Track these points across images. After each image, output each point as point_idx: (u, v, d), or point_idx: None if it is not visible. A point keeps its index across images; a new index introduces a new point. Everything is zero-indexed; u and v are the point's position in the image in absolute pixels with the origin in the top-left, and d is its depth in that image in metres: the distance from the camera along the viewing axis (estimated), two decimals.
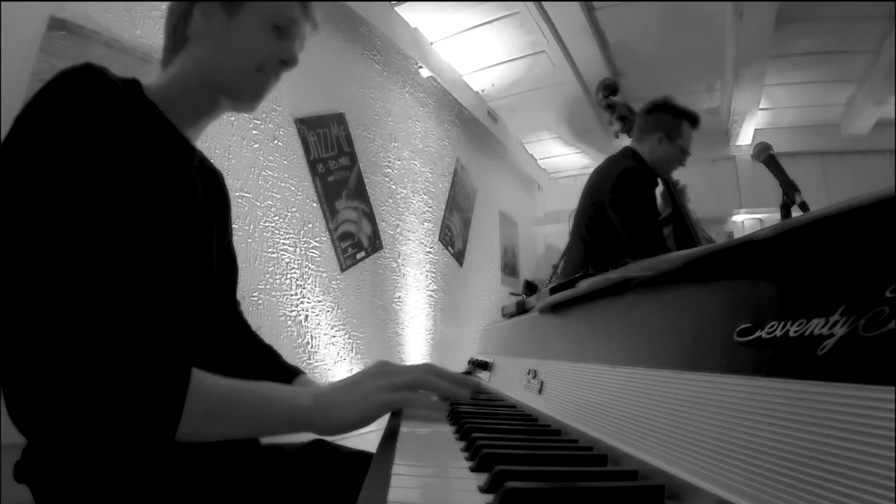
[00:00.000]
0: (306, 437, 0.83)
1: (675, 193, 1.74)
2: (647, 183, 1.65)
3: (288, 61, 0.70)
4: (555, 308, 0.79)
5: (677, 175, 1.85)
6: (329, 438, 0.83)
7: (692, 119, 1.71)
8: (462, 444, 0.48)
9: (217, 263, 0.74)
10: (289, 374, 0.84)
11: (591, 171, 1.82)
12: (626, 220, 1.57)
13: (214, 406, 0.47)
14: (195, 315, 0.66)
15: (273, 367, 0.85)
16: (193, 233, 0.66)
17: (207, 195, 0.73)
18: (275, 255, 1.62)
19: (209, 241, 0.71)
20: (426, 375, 0.56)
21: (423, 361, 0.62)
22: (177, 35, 0.68)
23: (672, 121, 1.69)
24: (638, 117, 1.78)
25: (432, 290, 2.55)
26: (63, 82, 0.52)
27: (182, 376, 0.46)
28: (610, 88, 2.08)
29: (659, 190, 1.73)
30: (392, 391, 0.53)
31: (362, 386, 0.54)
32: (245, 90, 0.69)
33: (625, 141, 2.00)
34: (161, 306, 0.60)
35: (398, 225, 2.33)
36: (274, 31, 0.68)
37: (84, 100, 0.52)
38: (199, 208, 0.69)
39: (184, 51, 0.68)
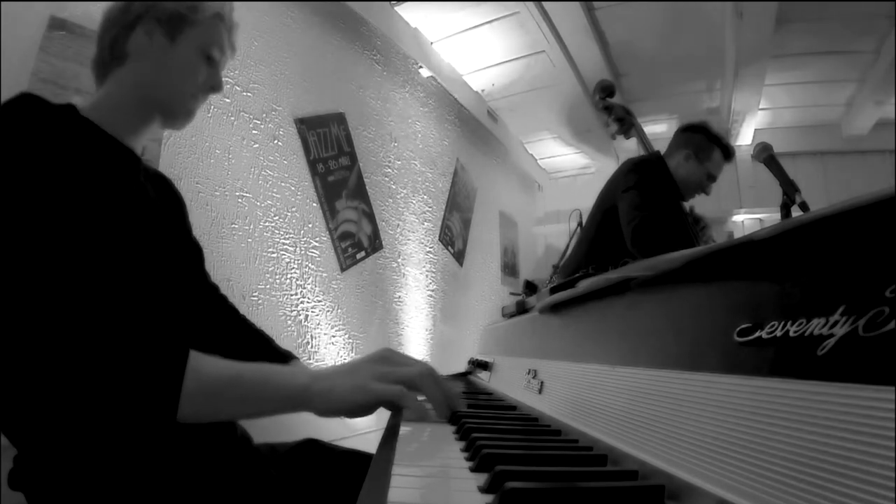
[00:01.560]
0: (300, 435, 0.84)
1: (688, 218, 1.73)
2: (661, 174, 1.65)
3: (216, 88, 0.76)
4: (555, 308, 0.79)
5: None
6: (327, 439, 0.83)
7: (726, 150, 1.69)
8: (462, 444, 0.48)
9: (183, 253, 0.78)
10: (282, 358, 0.84)
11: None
12: (628, 204, 1.54)
13: (213, 385, 0.48)
14: (172, 303, 0.67)
15: (266, 351, 0.85)
16: (153, 228, 0.69)
17: (159, 195, 0.78)
18: (275, 255, 1.62)
19: (169, 234, 0.74)
20: (426, 377, 0.56)
21: (425, 361, 0.63)
22: (116, 48, 0.71)
23: (704, 142, 1.67)
24: (674, 135, 1.78)
25: (432, 290, 2.55)
26: (3, 113, 0.56)
27: (179, 356, 0.46)
28: (607, 90, 2.08)
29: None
30: (390, 382, 0.53)
31: (361, 371, 0.53)
32: (181, 112, 0.75)
33: (622, 142, 1.99)
34: (143, 296, 0.61)
35: (398, 225, 2.33)
36: (206, 60, 0.74)
37: (29, 125, 0.55)
38: (153, 206, 0.72)
39: (122, 67, 0.71)
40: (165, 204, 0.79)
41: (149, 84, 0.71)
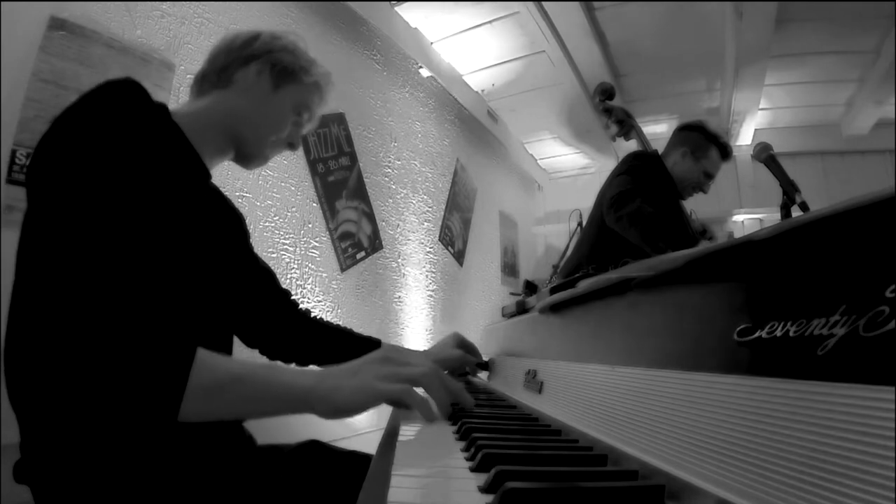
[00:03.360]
0: (302, 436, 0.84)
1: (684, 214, 1.74)
2: (657, 167, 1.67)
3: (294, 145, 0.81)
4: (555, 308, 0.79)
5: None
6: (329, 440, 0.83)
7: (723, 148, 1.70)
8: (462, 444, 0.48)
9: (244, 269, 0.83)
10: (368, 343, 0.91)
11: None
12: (617, 183, 1.55)
13: (218, 383, 0.48)
14: (207, 311, 0.68)
15: (348, 342, 0.90)
16: (207, 241, 0.70)
17: (221, 211, 0.80)
18: (275, 255, 1.62)
19: (223, 249, 0.76)
20: (431, 376, 0.56)
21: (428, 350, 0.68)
22: (225, 73, 0.74)
23: (701, 140, 1.68)
24: (671, 135, 1.79)
25: (432, 290, 2.55)
26: (104, 93, 0.56)
27: (186, 353, 0.46)
28: (607, 93, 2.09)
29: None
30: (395, 381, 0.53)
31: (366, 371, 0.53)
32: (258, 156, 0.78)
33: (622, 143, 2.00)
34: (169, 297, 0.61)
35: (398, 225, 2.33)
36: (295, 117, 0.78)
37: (122, 113, 0.56)
38: (211, 220, 0.74)
39: (222, 91, 0.74)
40: (225, 220, 0.81)
41: (241, 117, 0.74)
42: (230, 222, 0.83)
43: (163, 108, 0.65)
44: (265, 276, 0.89)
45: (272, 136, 0.76)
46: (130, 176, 0.54)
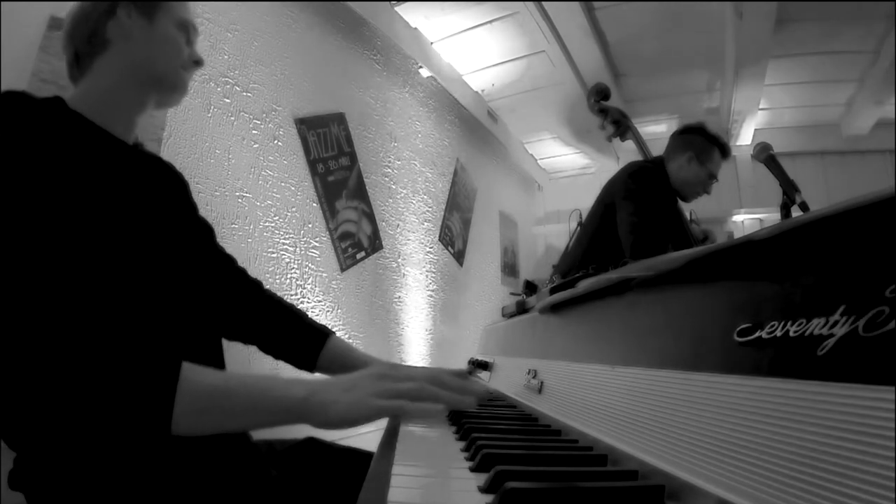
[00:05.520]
0: (300, 434, 0.84)
1: (686, 223, 1.75)
2: (660, 181, 1.68)
3: (199, 62, 0.77)
4: (555, 308, 0.79)
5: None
6: (326, 438, 0.83)
7: (723, 149, 1.72)
8: (462, 444, 0.48)
9: (188, 235, 0.77)
10: (317, 333, 0.84)
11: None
12: (627, 212, 1.58)
13: (206, 399, 0.47)
14: (175, 300, 0.66)
15: (298, 326, 0.85)
16: (147, 220, 0.67)
17: (157, 181, 0.75)
18: (275, 255, 1.62)
19: (167, 221, 0.72)
20: (428, 387, 0.55)
21: (429, 366, 0.63)
22: (95, 39, 0.70)
23: (704, 144, 1.70)
24: (670, 138, 1.80)
25: (432, 290, 2.55)
26: None
27: (171, 371, 0.46)
28: (602, 93, 2.09)
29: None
30: (391, 397, 0.52)
31: (362, 386, 0.53)
32: (177, 87, 0.75)
33: (618, 145, 2.00)
34: (136, 302, 0.59)
35: (398, 225, 2.33)
36: (184, 34, 0.75)
37: (11, 123, 0.54)
38: (147, 197, 0.69)
39: (106, 53, 0.70)
40: (164, 189, 0.76)
41: (140, 62, 0.70)
42: (169, 191, 0.78)
43: (56, 101, 0.63)
44: (204, 233, 0.84)
45: (177, 62, 0.74)
46: (41, 185, 0.52)
